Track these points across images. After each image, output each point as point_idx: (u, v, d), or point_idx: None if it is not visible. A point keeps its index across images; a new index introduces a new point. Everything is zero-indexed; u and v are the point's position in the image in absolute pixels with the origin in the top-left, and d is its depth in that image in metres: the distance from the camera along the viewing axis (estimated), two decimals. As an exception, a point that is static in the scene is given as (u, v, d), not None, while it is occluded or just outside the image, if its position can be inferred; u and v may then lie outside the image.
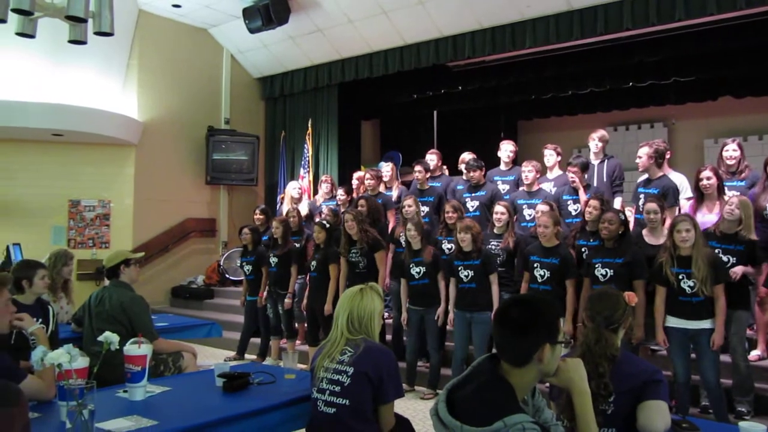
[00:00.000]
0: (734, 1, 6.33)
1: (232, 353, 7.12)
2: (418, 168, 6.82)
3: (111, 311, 3.86)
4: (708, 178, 5.05)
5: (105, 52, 8.48)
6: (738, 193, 5.02)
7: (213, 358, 7.01)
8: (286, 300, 6.57)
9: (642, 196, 5.53)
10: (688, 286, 4.21)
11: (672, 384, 4.55)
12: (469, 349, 5.38)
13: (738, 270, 4.36)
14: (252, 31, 9.03)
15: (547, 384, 2.19)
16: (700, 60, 8.13)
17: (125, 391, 2.86)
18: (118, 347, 2.70)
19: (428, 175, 6.93)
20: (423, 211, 6.57)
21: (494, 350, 1.94)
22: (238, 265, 7.42)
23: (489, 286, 5.23)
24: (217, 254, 10.06)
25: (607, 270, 4.64)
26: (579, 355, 2.38)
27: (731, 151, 5.42)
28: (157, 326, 4.38)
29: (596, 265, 4.70)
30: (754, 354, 4.73)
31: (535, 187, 6.18)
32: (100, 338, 2.64)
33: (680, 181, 5.72)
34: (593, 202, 5.15)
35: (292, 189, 8.12)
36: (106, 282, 4.13)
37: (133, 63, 9.19)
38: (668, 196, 5.33)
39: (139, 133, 9.15)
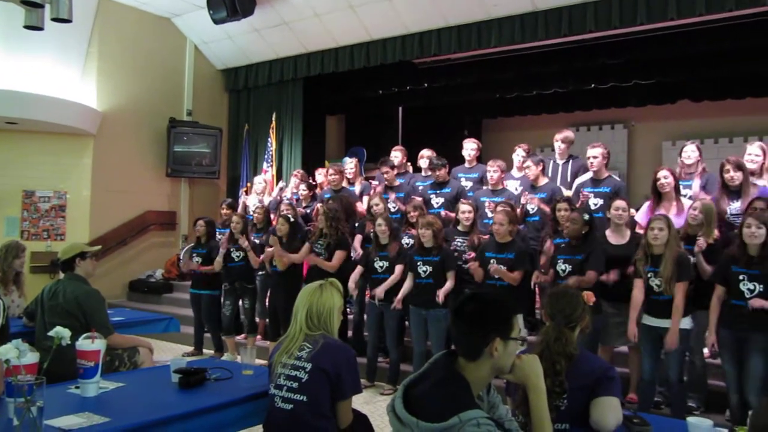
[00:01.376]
0: (694, 6, 6.48)
1: (191, 348, 7.04)
2: (385, 169, 6.84)
3: (65, 305, 3.77)
4: (665, 177, 5.16)
5: (63, 39, 8.27)
6: (706, 198, 5.10)
7: (171, 353, 6.90)
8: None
9: (591, 194, 5.66)
10: (656, 284, 4.29)
11: (637, 381, 4.67)
12: (428, 346, 5.42)
13: (702, 243, 4.49)
14: (216, 21, 8.91)
15: (504, 380, 2.22)
16: (660, 64, 8.33)
17: (77, 387, 2.80)
18: (69, 342, 2.64)
19: (395, 172, 6.95)
20: (394, 207, 6.64)
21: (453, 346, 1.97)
22: (189, 256, 7.26)
23: (446, 282, 5.28)
24: (176, 248, 9.92)
25: (567, 266, 4.75)
26: (538, 352, 2.42)
27: (690, 152, 5.56)
28: (113, 321, 4.30)
29: (558, 261, 4.82)
30: (706, 351, 4.85)
31: (499, 186, 6.24)
32: (51, 333, 2.58)
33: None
34: (561, 205, 5.25)
35: (257, 183, 8.08)
36: (61, 275, 4.04)
37: (92, 51, 8.98)
38: (620, 194, 5.46)
39: (98, 122, 8.95)
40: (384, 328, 5.64)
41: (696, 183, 5.44)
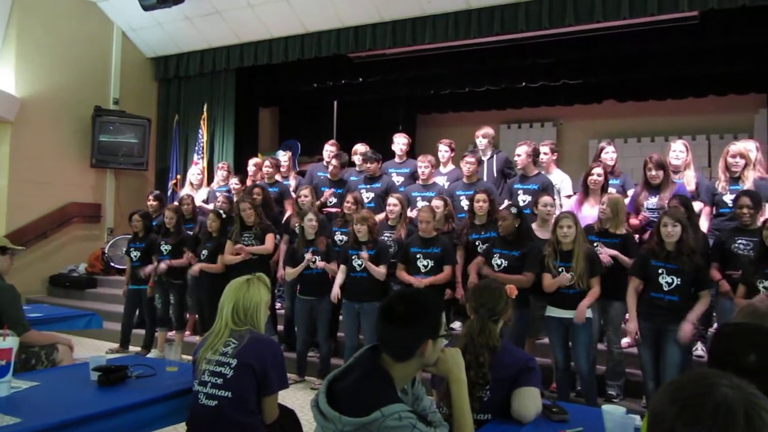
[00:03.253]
0: (619, 10, 6.72)
1: (116, 345, 6.82)
2: (334, 163, 6.81)
3: (-25, 301, 3.58)
4: (599, 175, 5.41)
5: (-22, 20, 7.85)
6: (613, 191, 5.41)
7: (95, 350, 6.66)
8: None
9: (520, 191, 5.82)
10: (569, 279, 4.46)
11: (554, 371, 4.84)
12: (360, 339, 5.43)
13: (607, 251, 4.73)
14: (146, 8, 8.62)
15: (430, 373, 2.25)
16: (587, 64, 8.61)
17: (-13, 387, 2.67)
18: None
19: (339, 166, 6.93)
20: (330, 202, 6.68)
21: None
22: (125, 251, 7.08)
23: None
24: (101, 241, 9.57)
25: (503, 261, 4.85)
26: (462, 345, 2.47)
27: (611, 153, 5.88)
28: (30, 317, 4.12)
29: (495, 255, 4.92)
30: (625, 341, 5.07)
31: (429, 181, 6.31)
32: (-42, 330, 2.45)
33: (562, 179, 6.06)
34: (480, 196, 5.36)
35: (191, 175, 7.92)
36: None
37: (11, 33, 8.54)
38: (548, 191, 5.64)
39: (16, 109, 8.52)
40: (315, 321, 5.61)
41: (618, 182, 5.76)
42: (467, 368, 2.16)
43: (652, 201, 5.19)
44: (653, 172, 5.19)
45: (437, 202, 5.60)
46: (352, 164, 7.23)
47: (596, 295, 4.46)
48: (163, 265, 6.32)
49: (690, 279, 4.21)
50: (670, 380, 1.14)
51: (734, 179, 5.13)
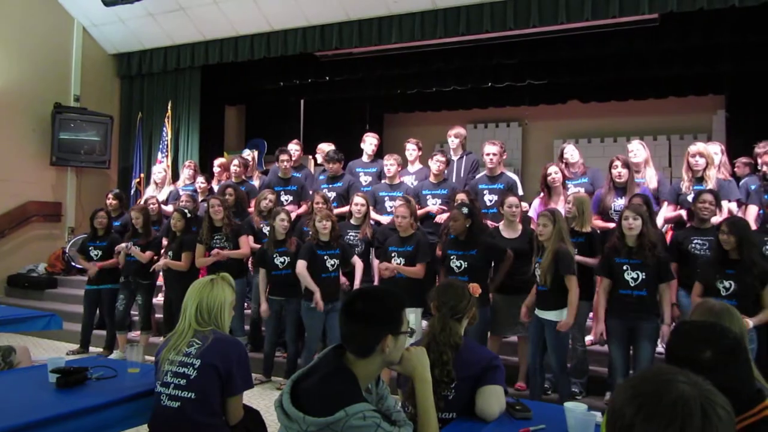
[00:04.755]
0: (581, 12, 6.84)
1: (77, 346, 6.67)
2: (284, 157, 6.76)
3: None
4: (556, 173, 5.50)
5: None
6: (579, 191, 5.48)
7: (54, 352, 6.52)
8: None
9: (486, 191, 5.88)
10: (538, 275, 4.49)
11: (526, 370, 4.87)
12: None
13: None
14: (107, 3, 8.45)
15: (395, 372, 2.25)
16: (551, 65, 8.71)
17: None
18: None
19: (292, 164, 6.89)
20: (286, 200, 6.61)
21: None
22: (78, 249, 6.89)
23: (348, 275, 5.29)
24: (62, 240, 9.37)
25: (462, 262, 4.84)
26: (425, 343, 2.48)
27: (571, 151, 5.97)
28: (-14, 318, 4.02)
29: (452, 257, 4.90)
30: (588, 339, 5.15)
31: (396, 180, 6.32)
32: None
33: (516, 178, 6.14)
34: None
35: (156, 174, 7.79)
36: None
37: (-35, 27, 8.31)
38: (513, 190, 5.71)
39: (-28, 105, 8.30)
40: (283, 322, 5.58)
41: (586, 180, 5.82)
42: (432, 366, 2.17)
43: (619, 202, 5.27)
44: (619, 170, 5.29)
45: (399, 203, 5.58)
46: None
47: (573, 302, 4.34)
48: (134, 247, 6.20)
49: (654, 272, 4.27)
50: (628, 377, 1.16)
51: (697, 179, 5.21)
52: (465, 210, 4.90)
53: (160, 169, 8.22)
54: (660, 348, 4.41)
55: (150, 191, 7.87)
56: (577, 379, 4.90)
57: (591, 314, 4.83)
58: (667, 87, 9.28)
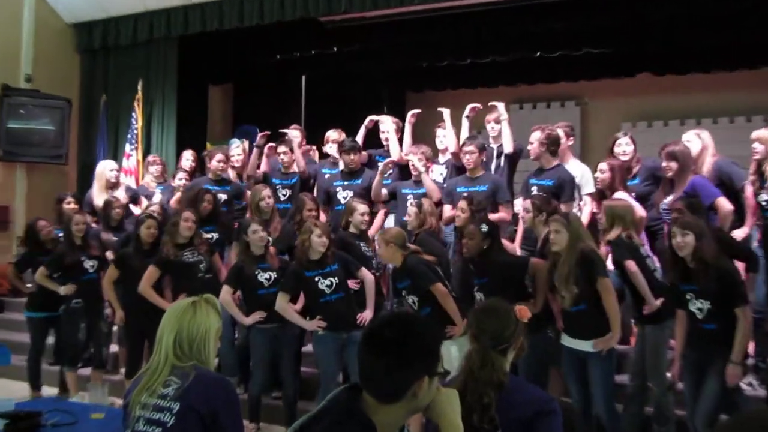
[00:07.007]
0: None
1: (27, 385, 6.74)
2: (282, 148, 6.83)
3: None
4: (602, 171, 5.41)
5: None
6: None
7: (3, 392, 6.60)
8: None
9: (534, 188, 5.82)
10: (561, 296, 4.44)
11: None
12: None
13: None
14: (63, -40, 8.59)
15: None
16: (615, 30, 8.64)
17: None
18: None
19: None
20: (284, 195, 6.70)
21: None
22: (31, 267, 6.94)
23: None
24: (9, 254, 9.48)
25: (479, 294, 4.85)
26: (461, 381, 2.45)
27: (624, 146, 5.87)
28: None
29: (475, 287, 4.93)
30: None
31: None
32: None
33: (582, 172, 6.05)
34: (461, 204, 5.37)
35: (108, 171, 7.72)
36: None
37: None
38: (564, 188, 5.65)
39: None
40: (276, 356, 5.52)
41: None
42: (469, 412, 2.15)
43: (666, 201, 5.25)
44: (664, 163, 5.26)
45: (411, 209, 5.59)
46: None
47: (613, 309, 4.34)
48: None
49: (720, 299, 4.14)
50: (733, 416, 1.16)
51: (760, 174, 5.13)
52: (485, 228, 4.84)
53: (111, 165, 7.94)
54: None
55: (95, 193, 7.71)
56: (660, 427, 4.76)
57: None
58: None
